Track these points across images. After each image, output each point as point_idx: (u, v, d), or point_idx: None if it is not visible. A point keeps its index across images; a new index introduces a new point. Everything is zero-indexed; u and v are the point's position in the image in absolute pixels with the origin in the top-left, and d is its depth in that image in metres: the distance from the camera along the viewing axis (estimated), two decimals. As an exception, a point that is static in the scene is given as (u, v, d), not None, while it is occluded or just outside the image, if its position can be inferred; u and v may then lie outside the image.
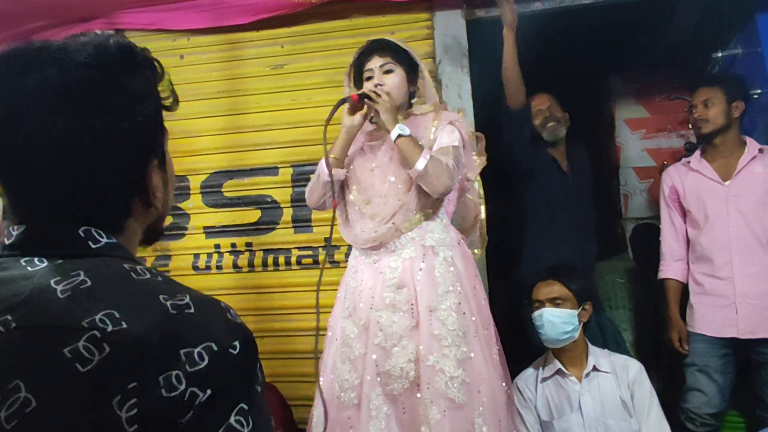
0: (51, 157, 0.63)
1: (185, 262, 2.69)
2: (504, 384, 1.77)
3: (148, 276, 0.65)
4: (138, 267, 0.66)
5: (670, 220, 2.48)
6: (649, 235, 3.13)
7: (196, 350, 0.58)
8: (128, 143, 0.67)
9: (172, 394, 0.55)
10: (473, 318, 1.73)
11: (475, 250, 2.03)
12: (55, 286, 0.60)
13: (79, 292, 0.59)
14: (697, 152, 2.47)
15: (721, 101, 2.33)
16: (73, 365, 0.55)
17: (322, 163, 1.81)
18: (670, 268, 2.45)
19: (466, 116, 1.95)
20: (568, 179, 2.68)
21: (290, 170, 2.66)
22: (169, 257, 2.71)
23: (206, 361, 0.57)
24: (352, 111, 1.81)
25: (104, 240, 0.67)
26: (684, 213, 2.44)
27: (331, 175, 1.75)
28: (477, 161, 1.98)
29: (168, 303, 0.60)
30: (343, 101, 1.80)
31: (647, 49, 3.49)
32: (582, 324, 2.03)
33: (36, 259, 0.63)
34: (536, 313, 2.04)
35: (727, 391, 2.28)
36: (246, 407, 0.59)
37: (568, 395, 1.99)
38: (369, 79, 1.86)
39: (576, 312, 2.01)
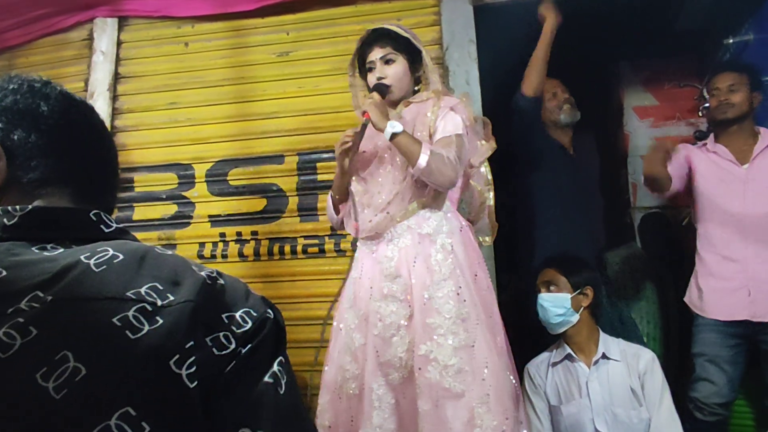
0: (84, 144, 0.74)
1: (190, 250, 2.67)
2: (509, 374, 1.71)
3: (171, 252, 0.67)
4: (156, 247, 0.67)
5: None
6: (657, 224, 3.11)
7: (237, 314, 0.63)
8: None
9: (224, 352, 0.60)
10: (475, 305, 1.68)
11: (486, 238, 1.99)
12: (86, 261, 0.60)
13: (114, 266, 0.60)
14: (711, 137, 2.44)
15: (746, 88, 2.32)
16: (123, 333, 0.56)
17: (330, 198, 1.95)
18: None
19: (470, 101, 1.91)
20: (576, 166, 2.65)
21: (296, 158, 2.63)
22: (174, 246, 2.70)
23: (250, 324, 0.63)
24: (343, 154, 1.81)
25: (114, 225, 0.68)
26: (687, 180, 2.41)
27: (338, 213, 1.92)
28: (483, 146, 1.93)
29: (202, 273, 0.64)
30: (364, 127, 1.75)
31: (656, 35, 3.43)
32: (584, 309, 2.02)
33: (49, 246, 0.62)
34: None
35: (737, 381, 2.26)
36: (284, 360, 0.66)
37: (577, 381, 1.98)
38: (371, 70, 1.85)
39: (569, 296, 2.01)
